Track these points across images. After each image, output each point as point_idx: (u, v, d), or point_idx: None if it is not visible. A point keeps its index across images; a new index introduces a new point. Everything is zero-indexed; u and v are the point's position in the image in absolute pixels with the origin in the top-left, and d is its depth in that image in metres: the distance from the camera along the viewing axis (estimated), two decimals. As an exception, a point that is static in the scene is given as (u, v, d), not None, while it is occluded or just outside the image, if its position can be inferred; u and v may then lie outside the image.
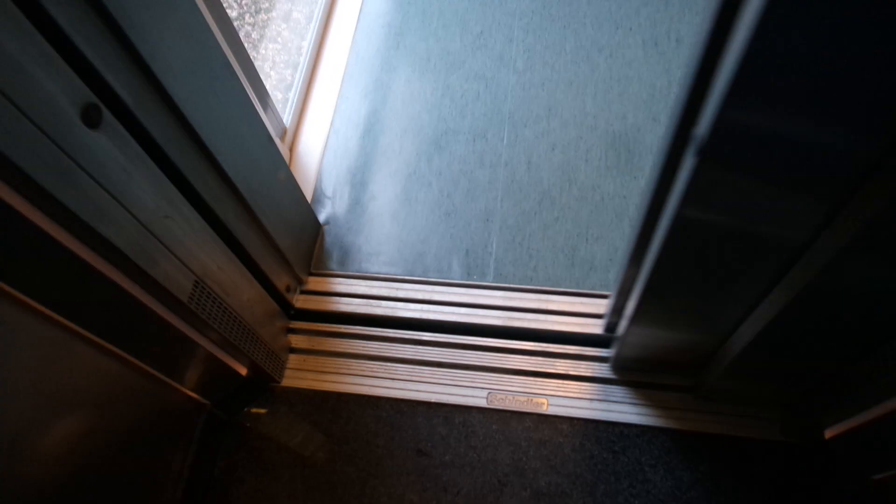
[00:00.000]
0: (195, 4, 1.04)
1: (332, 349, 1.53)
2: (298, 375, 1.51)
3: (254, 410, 1.47)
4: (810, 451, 1.30)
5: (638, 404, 1.39)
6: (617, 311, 1.34)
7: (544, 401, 1.40)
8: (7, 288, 0.84)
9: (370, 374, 1.49)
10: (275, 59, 2.13)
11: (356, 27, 2.11)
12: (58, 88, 0.77)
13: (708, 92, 0.72)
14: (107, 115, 0.86)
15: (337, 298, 1.59)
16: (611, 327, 1.44)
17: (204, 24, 1.07)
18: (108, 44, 0.85)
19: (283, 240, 1.47)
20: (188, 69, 1.02)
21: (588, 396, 1.40)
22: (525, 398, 1.41)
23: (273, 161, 1.41)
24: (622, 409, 1.38)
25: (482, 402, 1.42)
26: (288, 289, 1.55)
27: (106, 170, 0.86)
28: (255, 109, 1.29)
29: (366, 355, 1.51)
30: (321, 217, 1.74)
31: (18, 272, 0.84)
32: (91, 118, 0.83)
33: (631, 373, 1.43)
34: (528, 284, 1.55)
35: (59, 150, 0.77)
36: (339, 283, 1.62)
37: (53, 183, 0.77)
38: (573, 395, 1.40)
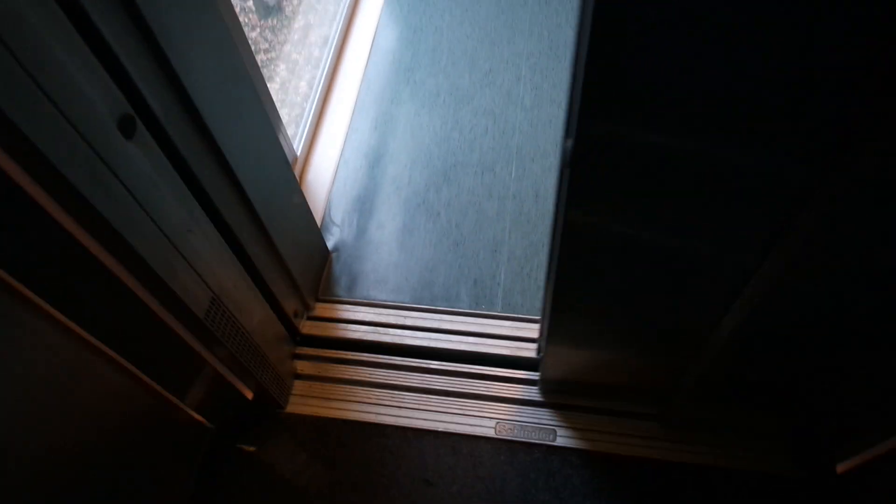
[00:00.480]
0: (226, 28, 1.06)
1: (339, 376, 1.52)
2: (304, 402, 1.49)
3: (258, 436, 1.44)
4: (821, 485, 1.29)
5: (649, 437, 1.38)
6: (542, 334, 1.35)
7: (553, 431, 1.38)
8: (27, 292, 0.83)
9: (377, 401, 1.47)
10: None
11: (367, 63, 2.16)
12: (98, 96, 0.78)
13: (573, 106, 0.75)
14: (140, 126, 0.88)
15: (344, 325, 1.59)
16: (540, 350, 1.44)
17: (233, 47, 1.09)
18: (144, 56, 0.87)
19: (294, 264, 1.47)
20: (217, 88, 1.05)
21: (598, 429, 1.39)
22: (534, 429, 1.39)
23: (288, 186, 1.42)
24: (634, 441, 1.37)
25: (490, 433, 1.40)
26: (296, 314, 1.55)
27: (137, 180, 0.87)
28: (275, 134, 1.31)
29: (372, 383, 1.50)
30: (329, 244, 1.75)
31: (39, 276, 0.84)
32: (126, 128, 0.84)
33: (562, 397, 1.42)
34: (536, 315, 1.56)
35: (95, 157, 0.78)
36: (347, 310, 1.61)
37: (88, 187, 0.77)
38: (582, 426, 1.39)
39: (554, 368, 1.34)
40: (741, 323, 0.97)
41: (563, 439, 1.38)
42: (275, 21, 2.06)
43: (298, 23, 2.13)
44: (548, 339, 1.21)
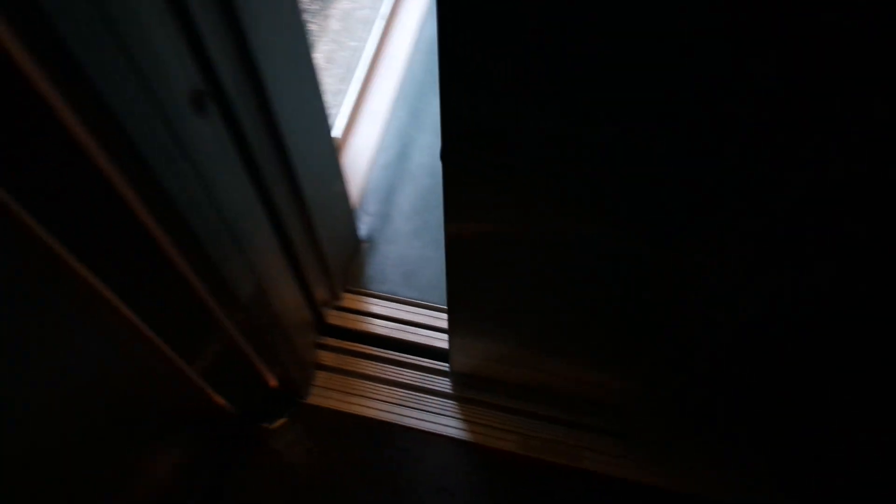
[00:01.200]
0: (298, 3, 1.02)
1: (362, 371, 1.48)
2: (324, 394, 1.45)
3: (275, 425, 1.41)
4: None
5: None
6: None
7: (583, 453, 1.35)
8: (72, 260, 0.79)
9: (398, 402, 1.43)
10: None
11: (413, 50, 2.11)
12: (177, 67, 0.74)
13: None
14: (211, 103, 0.83)
15: (370, 319, 1.55)
16: None
17: (301, 25, 1.05)
18: (223, 30, 0.82)
19: (329, 252, 1.43)
20: (285, 68, 1.00)
21: (624, 455, 1.36)
22: (563, 448, 1.36)
23: (333, 172, 1.38)
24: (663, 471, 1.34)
25: (514, 447, 1.37)
26: (324, 303, 1.51)
27: (202, 158, 0.82)
28: (328, 120, 1.26)
29: (396, 382, 1.46)
30: (361, 233, 1.71)
31: (89, 247, 0.80)
32: (199, 104, 0.79)
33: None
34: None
35: (167, 129, 0.74)
36: (374, 304, 1.57)
37: (156, 159, 0.73)
38: (612, 451, 1.36)
39: (460, 364, 1.34)
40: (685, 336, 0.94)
41: (591, 462, 1.34)
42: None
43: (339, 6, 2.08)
44: (450, 333, 1.21)
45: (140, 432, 1.10)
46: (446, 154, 0.75)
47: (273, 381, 1.34)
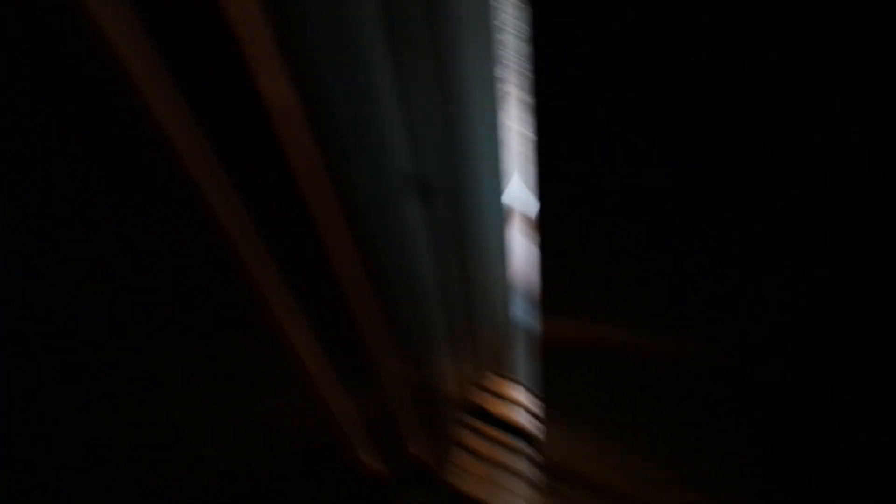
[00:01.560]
0: (499, 91, 1.08)
1: (502, 461, 1.46)
2: (460, 475, 1.44)
3: (410, 497, 1.42)
4: None
5: None
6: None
7: None
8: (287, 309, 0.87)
9: (529, 500, 1.38)
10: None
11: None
12: (399, 155, 0.82)
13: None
14: (425, 191, 0.91)
15: (516, 408, 1.53)
16: None
17: (499, 117, 1.11)
18: (438, 121, 0.90)
19: (485, 331, 1.45)
20: (482, 155, 1.07)
21: None
22: None
23: (502, 257, 1.42)
24: None
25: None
26: (470, 380, 1.52)
27: (410, 243, 0.89)
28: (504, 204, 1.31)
29: (531, 480, 1.42)
30: (517, 318, 1.72)
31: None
32: (415, 192, 0.87)
33: None
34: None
35: (388, 216, 0.81)
36: (520, 392, 1.56)
37: (377, 236, 0.80)
38: None
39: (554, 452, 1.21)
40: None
41: None
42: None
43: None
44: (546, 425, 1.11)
45: (275, 472, 1.16)
46: (542, 233, 0.68)
47: (413, 447, 1.36)
